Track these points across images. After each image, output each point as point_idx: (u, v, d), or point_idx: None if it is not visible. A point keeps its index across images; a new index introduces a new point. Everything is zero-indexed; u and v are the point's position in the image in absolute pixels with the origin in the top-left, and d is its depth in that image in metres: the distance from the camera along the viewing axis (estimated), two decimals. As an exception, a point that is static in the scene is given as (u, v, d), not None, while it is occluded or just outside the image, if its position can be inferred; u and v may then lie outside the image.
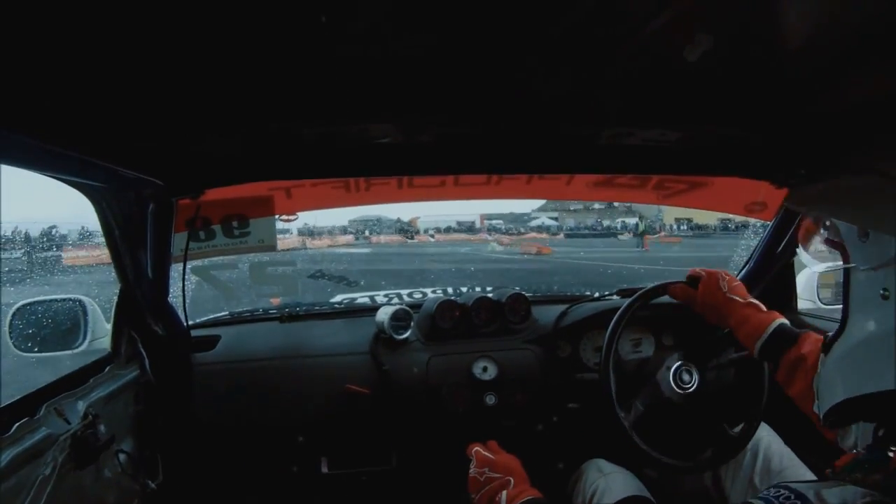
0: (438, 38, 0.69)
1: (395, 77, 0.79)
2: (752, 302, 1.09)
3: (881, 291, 0.59)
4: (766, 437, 1.16)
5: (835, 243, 0.67)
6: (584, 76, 0.77)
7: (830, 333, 0.71)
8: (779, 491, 0.57)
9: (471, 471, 1.03)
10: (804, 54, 0.70)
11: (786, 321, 1.05)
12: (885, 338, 0.59)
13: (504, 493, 0.95)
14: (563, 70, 0.75)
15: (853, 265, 0.64)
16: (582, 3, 0.55)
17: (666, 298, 1.25)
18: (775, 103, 0.88)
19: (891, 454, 0.57)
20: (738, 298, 1.10)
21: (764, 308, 1.08)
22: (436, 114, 0.92)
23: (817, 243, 0.73)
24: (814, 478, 1.02)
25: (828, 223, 0.68)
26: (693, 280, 1.20)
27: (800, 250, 1.09)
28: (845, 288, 0.66)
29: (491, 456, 1.04)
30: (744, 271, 1.61)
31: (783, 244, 1.52)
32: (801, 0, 0.57)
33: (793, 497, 0.55)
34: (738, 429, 1.20)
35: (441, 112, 0.91)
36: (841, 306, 0.70)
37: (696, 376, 1.21)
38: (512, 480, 0.97)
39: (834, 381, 0.67)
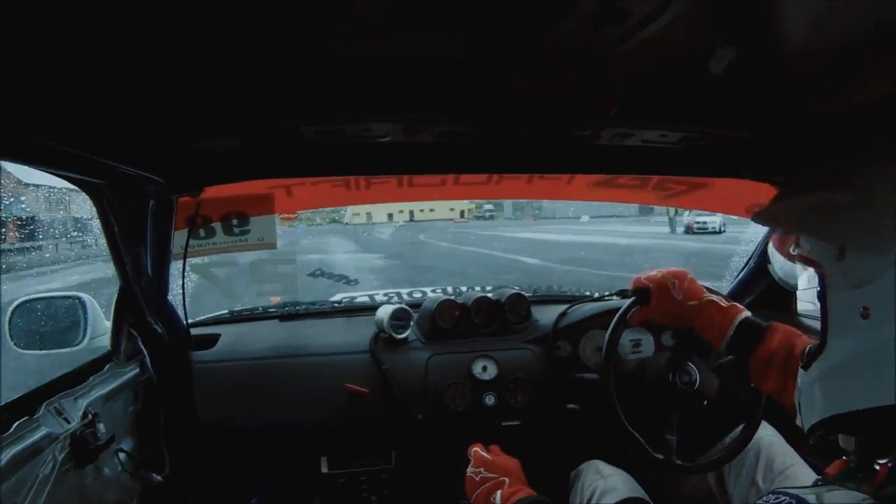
0: (440, 38, 0.69)
1: (395, 76, 0.79)
2: (710, 300, 1.05)
3: (861, 310, 0.56)
4: (769, 436, 1.16)
5: (810, 260, 0.64)
6: (585, 77, 0.77)
7: (809, 348, 0.68)
8: (779, 498, 0.56)
9: (468, 471, 1.03)
10: (806, 56, 0.70)
11: (748, 314, 1.02)
12: (867, 357, 0.57)
13: (499, 492, 0.95)
14: (564, 70, 0.75)
15: (830, 285, 0.61)
16: (583, 4, 0.54)
17: None
18: (777, 105, 0.88)
19: (877, 467, 0.56)
20: (694, 302, 1.06)
21: (724, 303, 1.05)
22: (437, 113, 0.92)
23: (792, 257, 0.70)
24: (816, 476, 1.02)
25: (799, 240, 0.65)
26: (643, 294, 1.13)
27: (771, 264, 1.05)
28: (823, 307, 0.62)
29: (488, 456, 1.04)
30: (742, 272, 1.61)
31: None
32: (802, 3, 0.57)
33: (794, 503, 0.54)
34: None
35: (442, 111, 0.91)
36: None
37: (696, 376, 1.21)
38: (507, 480, 0.97)
39: (815, 398, 0.65)
